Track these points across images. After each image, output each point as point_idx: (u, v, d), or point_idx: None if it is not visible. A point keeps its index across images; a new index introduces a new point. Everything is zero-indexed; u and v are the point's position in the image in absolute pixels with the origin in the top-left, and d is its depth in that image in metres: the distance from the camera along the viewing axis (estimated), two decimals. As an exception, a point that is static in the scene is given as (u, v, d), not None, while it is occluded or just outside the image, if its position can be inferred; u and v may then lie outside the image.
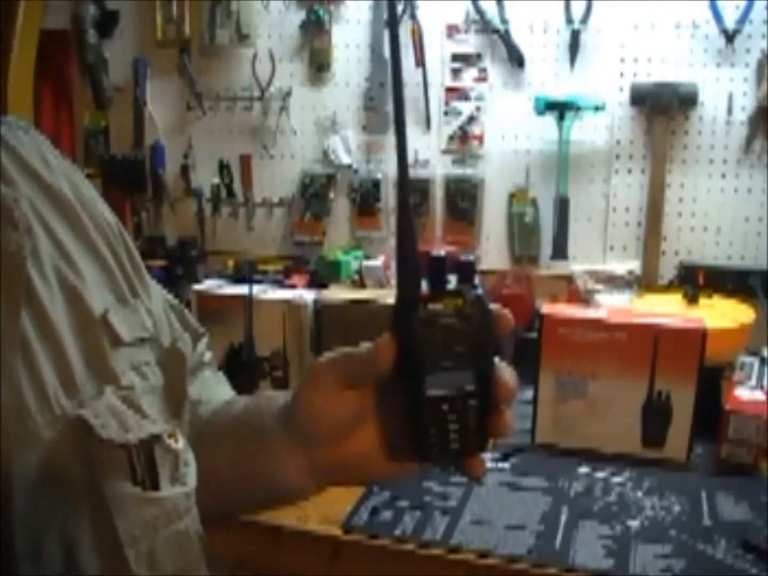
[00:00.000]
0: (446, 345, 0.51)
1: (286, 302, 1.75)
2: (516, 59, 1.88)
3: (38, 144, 0.59)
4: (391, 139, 2.02)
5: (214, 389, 0.76)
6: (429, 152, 2.00)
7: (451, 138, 1.98)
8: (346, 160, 2.05)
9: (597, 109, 1.83)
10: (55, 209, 0.56)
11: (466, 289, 0.52)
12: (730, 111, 1.80)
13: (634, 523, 1.21)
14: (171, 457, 0.56)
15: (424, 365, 0.52)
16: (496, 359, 0.54)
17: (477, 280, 0.59)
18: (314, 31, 2.01)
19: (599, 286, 1.82)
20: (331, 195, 2.09)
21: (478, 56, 1.93)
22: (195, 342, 0.74)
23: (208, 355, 0.79)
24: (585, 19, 1.83)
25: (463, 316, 0.51)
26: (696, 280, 1.77)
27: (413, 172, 2.01)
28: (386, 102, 2.00)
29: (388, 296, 1.78)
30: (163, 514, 0.54)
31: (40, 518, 0.47)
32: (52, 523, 0.47)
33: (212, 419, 0.71)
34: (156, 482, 0.54)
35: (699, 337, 1.34)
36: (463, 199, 1.98)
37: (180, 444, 0.57)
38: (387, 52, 1.96)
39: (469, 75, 1.94)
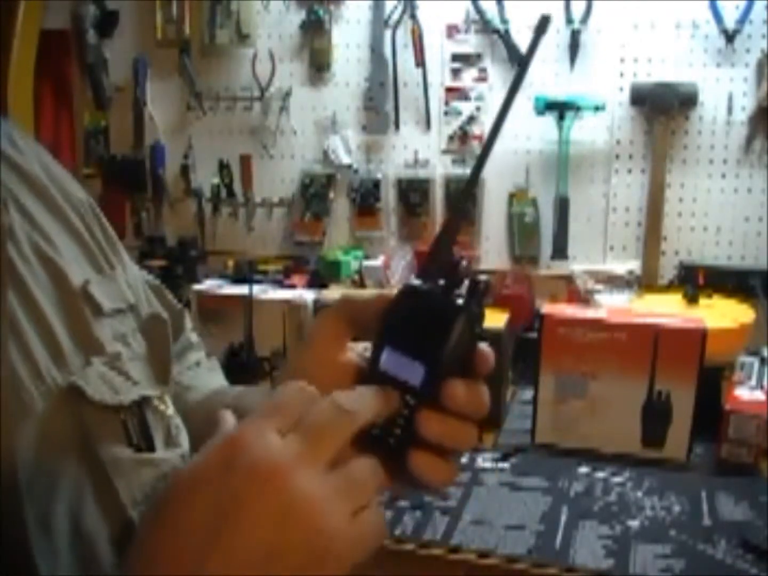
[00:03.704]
0: (417, 329, 0.48)
1: (286, 302, 1.75)
2: (516, 59, 1.88)
3: (6, 128, 0.59)
4: (391, 139, 2.03)
5: (206, 377, 0.76)
6: (429, 152, 2.00)
7: (451, 138, 1.98)
8: (346, 160, 2.05)
9: (597, 109, 1.84)
10: (27, 188, 0.56)
11: (472, 299, 0.49)
12: (730, 111, 1.80)
13: (634, 523, 1.21)
14: (163, 421, 0.57)
15: (387, 335, 0.49)
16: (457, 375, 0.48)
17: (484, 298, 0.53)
18: (314, 31, 2.01)
19: (599, 286, 1.82)
20: (331, 195, 2.09)
21: (478, 56, 1.93)
22: (176, 320, 0.74)
23: (194, 337, 0.79)
24: (585, 19, 1.83)
25: (448, 315, 0.48)
26: (696, 280, 1.77)
27: (413, 172, 2.02)
28: (386, 102, 2.00)
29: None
30: (162, 476, 0.55)
31: (45, 487, 0.48)
32: (57, 492, 0.48)
33: (200, 405, 0.71)
34: (151, 445, 0.55)
35: (699, 337, 1.34)
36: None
37: (170, 409, 0.59)
38: (387, 52, 1.97)
39: (469, 75, 1.94)
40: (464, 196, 0.55)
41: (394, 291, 0.52)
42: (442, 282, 0.49)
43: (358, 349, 0.55)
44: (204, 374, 0.77)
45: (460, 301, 0.48)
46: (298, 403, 0.44)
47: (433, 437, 0.47)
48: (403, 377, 0.47)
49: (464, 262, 0.50)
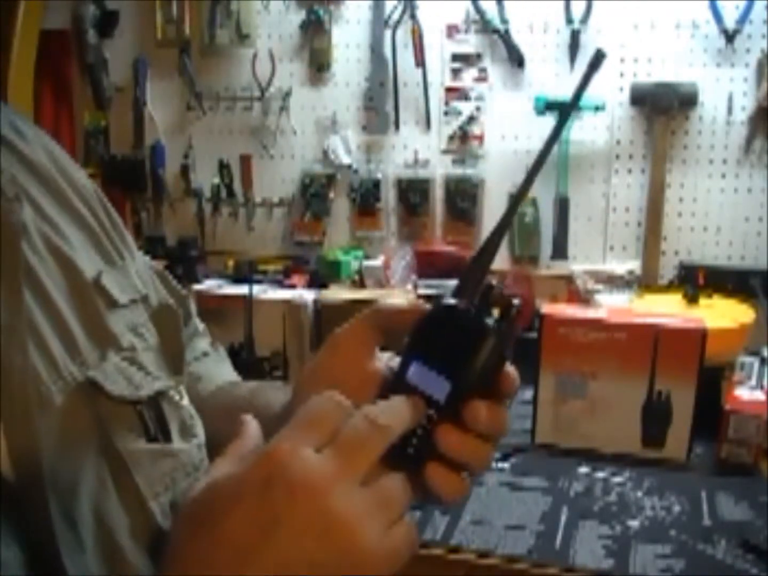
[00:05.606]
0: (447, 346, 0.49)
1: (286, 302, 1.76)
2: (516, 59, 1.88)
3: (9, 116, 0.58)
4: (391, 139, 2.03)
5: (215, 368, 0.76)
6: (429, 152, 2.00)
7: (451, 138, 1.98)
8: (346, 160, 2.05)
9: (597, 109, 1.84)
10: (35, 179, 0.56)
11: (503, 322, 0.50)
12: (730, 111, 1.80)
13: (634, 523, 1.21)
14: (178, 411, 0.57)
15: (417, 348, 0.50)
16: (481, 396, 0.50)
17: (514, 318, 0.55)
18: (314, 31, 2.01)
19: (599, 286, 1.83)
20: (331, 195, 2.09)
21: (478, 56, 1.93)
22: (182, 306, 0.74)
23: (201, 325, 0.79)
24: (585, 19, 1.83)
25: (479, 335, 0.49)
26: (696, 280, 1.77)
27: (413, 172, 2.02)
28: (386, 102, 2.00)
29: (388, 296, 1.78)
30: (180, 466, 0.55)
31: (68, 482, 0.48)
32: (80, 486, 0.48)
33: (212, 397, 0.71)
34: (168, 437, 0.55)
35: (699, 337, 1.34)
36: (463, 199, 1.98)
37: (185, 399, 0.59)
38: (387, 52, 1.97)
39: (469, 75, 1.94)
40: (508, 216, 0.53)
41: (425, 304, 0.53)
42: (475, 301, 0.51)
43: (384, 359, 0.56)
44: (213, 364, 0.77)
45: (491, 322, 0.49)
46: (333, 417, 0.45)
47: (450, 452, 0.48)
48: (428, 391, 0.48)
49: (497, 283, 0.52)
